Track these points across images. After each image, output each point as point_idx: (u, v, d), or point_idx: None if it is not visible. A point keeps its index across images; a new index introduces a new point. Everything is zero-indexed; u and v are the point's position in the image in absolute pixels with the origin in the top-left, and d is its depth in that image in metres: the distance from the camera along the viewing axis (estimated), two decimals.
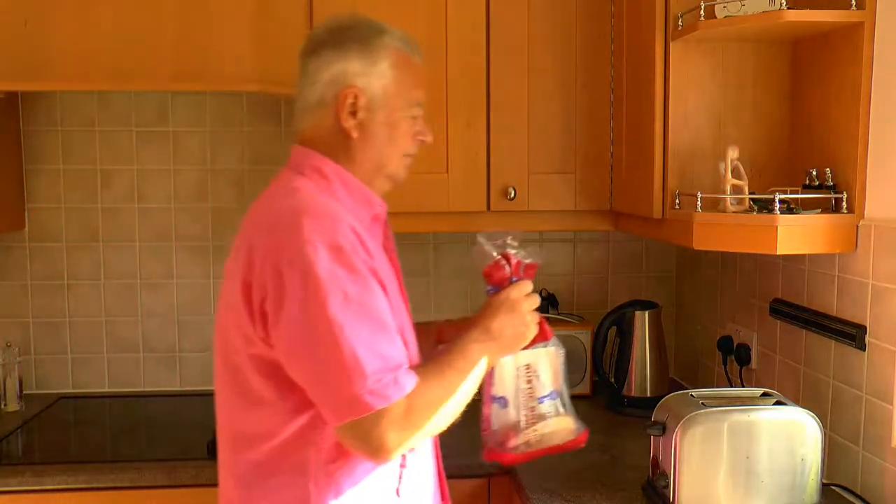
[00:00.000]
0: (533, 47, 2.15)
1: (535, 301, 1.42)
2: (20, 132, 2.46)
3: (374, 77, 1.34)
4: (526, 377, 1.49)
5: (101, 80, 2.06)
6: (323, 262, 1.19)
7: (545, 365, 1.49)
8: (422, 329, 1.50)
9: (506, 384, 1.48)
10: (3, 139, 2.36)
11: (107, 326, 2.53)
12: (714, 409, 1.53)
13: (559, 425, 1.48)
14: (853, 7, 1.57)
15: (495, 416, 1.48)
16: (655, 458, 1.61)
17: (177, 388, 2.56)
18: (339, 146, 1.36)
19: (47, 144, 2.48)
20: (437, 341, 1.58)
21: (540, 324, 1.45)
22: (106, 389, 2.54)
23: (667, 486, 1.54)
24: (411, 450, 1.33)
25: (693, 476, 1.52)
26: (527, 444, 1.47)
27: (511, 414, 1.48)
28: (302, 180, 1.34)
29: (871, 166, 1.58)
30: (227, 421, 1.36)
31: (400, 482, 1.34)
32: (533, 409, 1.48)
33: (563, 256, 2.63)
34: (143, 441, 2.16)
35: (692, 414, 1.52)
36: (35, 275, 2.51)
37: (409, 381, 1.23)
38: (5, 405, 2.36)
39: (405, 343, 1.30)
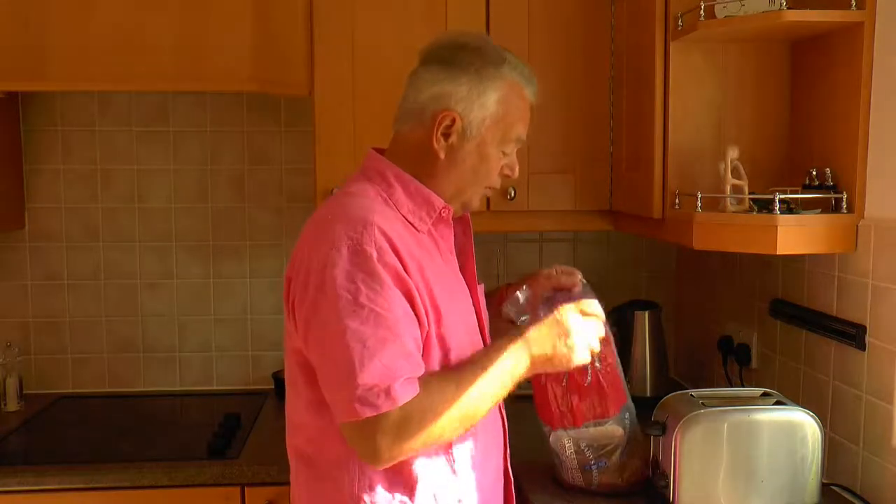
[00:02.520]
0: (533, 47, 2.15)
1: (594, 327, 1.40)
2: (20, 132, 2.46)
3: (476, 107, 1.34)
4: (575, 448, 1.64)
5: (101, 80, 2.06)
6: (342, 265, 1.22)
7: (600, 440, 1.62)
8: (492, 299, 1.58)
9: (556, 446, 1.67)
10: (3, 139, 2.37)
11: (107, 326, 2.53)
12: (714, 409, 1.53)
13: (602, 480, 1.66)
14: (853, 7, 1.56)
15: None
16: (655, 458, 1.61)
17: (177, 388, 2.56)
18: (424, 161, 1.37)
19: (47, 144, 2.48)
20: (499, 303, 1.59)
21: (604, 394, 1.53)
22: (106, 389, 2.54)
23: (667, 486, 1.54)
24: (414, 454, 1.31)
25: (693, 476, 1.52)
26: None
27: (561, 461, 1.69)
28: (363, 184, 1.37)
29: (871, 166, 1.58)
30: (287, 408, 1.43)
31: (443, 484, 1.36)
32: (577, 470, 1.67)
33: (563, 256, 2.63)
34: (143, 441, 2.15)
35: (692, 414, 1.52)
36: (35, 275, 2.51)
37: (407, 392, 1.22)
38: (5, 405, 2.36)
39: (445, 348, 1.32)
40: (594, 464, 1.64)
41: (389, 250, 1.25)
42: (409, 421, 1.22)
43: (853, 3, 1.56)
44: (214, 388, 2.57)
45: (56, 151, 2.48)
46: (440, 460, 1.35)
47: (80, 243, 2.51)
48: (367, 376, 1.20)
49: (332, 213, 1.31)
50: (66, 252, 2.51)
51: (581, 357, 1.37)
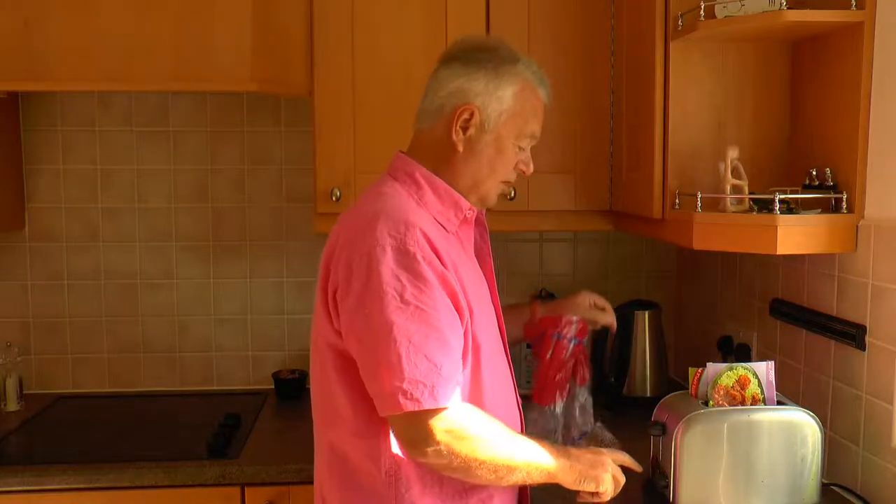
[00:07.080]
0: (533, 48, 2.15)
1: (619, 477, 1.42)
2: (20, 132, 2.46)
3: (493, 100, 1.39)
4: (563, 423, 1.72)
5: (101, 80, 2.05)
6: (388, 263, 1.26)
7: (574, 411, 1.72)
8: (513, 311, 1.66)
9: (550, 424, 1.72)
10: (3, 139, 2.37)
11: (107, 326, 2.53)
12: (714, 409, 1.54)
13: None
14: (853, 7, 1.57)
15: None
16: (655, 458, 1.61)
17: (177, 388, 2.56)
18: (443, 155, 1.42)
19: (47, 144, 2.48)
20: (531, 316, 1.67)
21: (577, 370, 1.64)
22: (106, 389, 2.54)
23: (667, 486, 1.54)
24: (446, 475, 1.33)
25: (693, 476, 1.52)
26: None
27: None
28: (393, 184, 1.41)
29: (871, 166, 1.58)
30: (317, 405, 1.44)
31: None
32: None
33: (563, 256, 2.63)
34: (143, 441, 2.15)
35: (692, 414, 1.52)
36: (35, 275, 2.51)
37: (450, 395, 1.26)
38: (5, 405, 2.36)
39: (477, 345, 1.35)
40: (578, 437, 1.68)
41: (431, 252, 1.28)
42: (454, 422, 1.26)
43: (853, 3, 1.56)
44: (214, 388, 2.57)
45: (56, 151, 2.48)
46: None
47: (80, 243, 2.51)
48: (412, 371, 1.23)
49: (371, 211, 1.33)
50: (66, 252, 2.51)
51: (606, 486, 1.40)
